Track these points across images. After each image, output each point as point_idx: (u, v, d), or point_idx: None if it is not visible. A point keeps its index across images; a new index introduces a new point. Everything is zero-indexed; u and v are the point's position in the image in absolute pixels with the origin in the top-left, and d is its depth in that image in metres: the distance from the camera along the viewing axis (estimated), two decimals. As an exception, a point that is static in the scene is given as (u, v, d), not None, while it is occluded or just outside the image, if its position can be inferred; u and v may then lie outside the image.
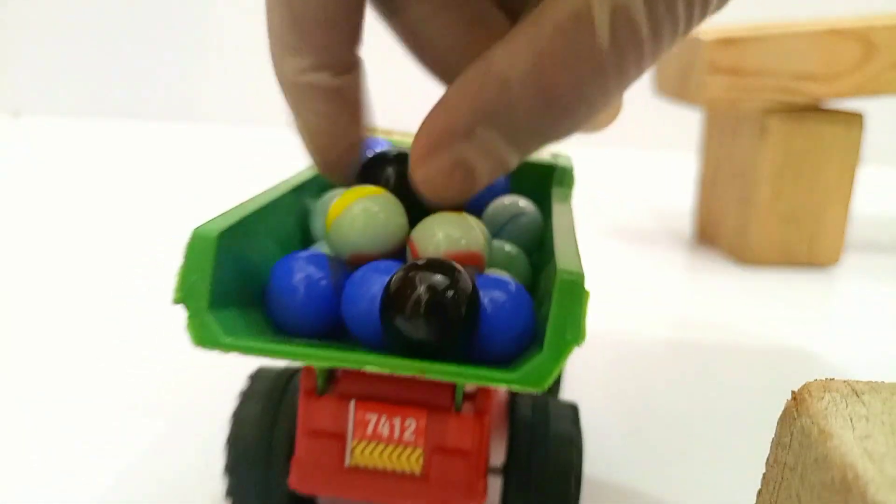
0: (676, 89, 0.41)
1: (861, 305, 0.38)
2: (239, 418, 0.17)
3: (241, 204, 0.16)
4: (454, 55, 0.17)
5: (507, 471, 0.17)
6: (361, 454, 0.15)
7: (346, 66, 0.17)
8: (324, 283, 0.15)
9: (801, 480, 0.13)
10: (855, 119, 0.40)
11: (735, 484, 0.19)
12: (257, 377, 0.18)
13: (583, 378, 0.27)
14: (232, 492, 0.17)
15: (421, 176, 0.15)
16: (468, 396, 0.15)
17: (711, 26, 0.39)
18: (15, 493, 0.19)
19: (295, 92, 0.17)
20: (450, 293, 0.13)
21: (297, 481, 0.15)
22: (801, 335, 0.33)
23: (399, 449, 0.15)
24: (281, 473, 0.17)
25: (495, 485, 0.17)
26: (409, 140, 0.23)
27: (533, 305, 0.15)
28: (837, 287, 0.40)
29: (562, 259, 0.14)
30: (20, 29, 0.80)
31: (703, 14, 0.14)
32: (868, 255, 0.45)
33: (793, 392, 0.14)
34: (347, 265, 0.16)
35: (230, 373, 0.21)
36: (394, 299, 0.13)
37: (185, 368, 0.26)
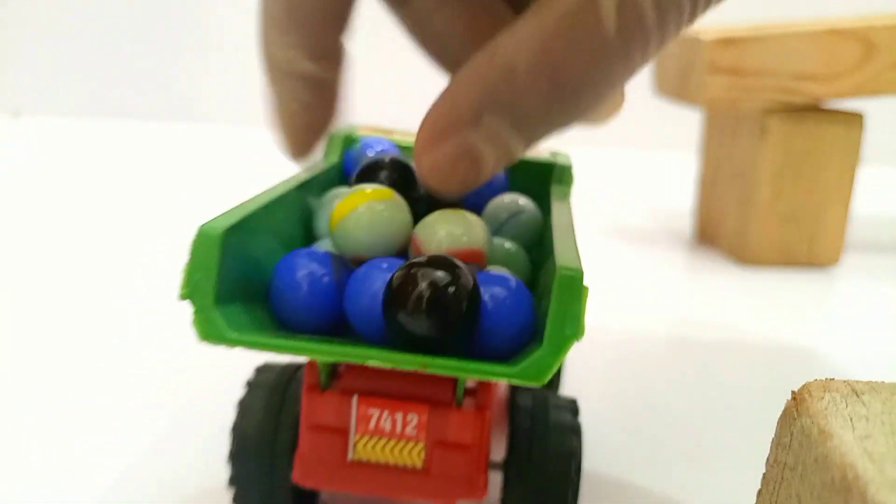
0: (676, 89, 0.42)
1: (861, 305, 0.38)
2: (244, 407, 0.17)
3: (245, 202, 0.16)
4: (460, 45, 0.18)
5: (507, 465, 0.17)
6: (364, 448, 0.15)
7: (333, 57, 0.17)
8: (326, 279, 0.15)
9: (801, 480, 0.13)
10: (855, 119, 0.40)
11: (735, 484, 0.19)
12: (264, 369, 0.18)
13: (583, 378, 0.27)
14: (235, 481, 0.17)
15: (427, 163, 0.15)
16: (469, 392, 0.15)
17: (711, 26, 0.39)
18: (15, 493, 0.19)
19: (280, 77, 0.17)
20: (451, 289, 0.13)
21: (300, 476, 0.15)
22: (801, 335, 0.33)
23: (401, 443, 0.15)
24: (284, 468, 0.17)
25: (496, 480, 0.17)
26: (409, 140, 0.23)
27: (533, 301, 0.15)
28: (837, 287, 0.40)
29: (561, 255, 0.14)
30: (20, 29, 0.80)
31: (708, 3, 0.15)
32: (868, 255, 0.45)
33: (793, 392, 0.14)
34: (350, 262, 0.16)
35: (230, 373, 0.21)
36: (396, 295, 0.14)
37: (186, 368, 0.26)
